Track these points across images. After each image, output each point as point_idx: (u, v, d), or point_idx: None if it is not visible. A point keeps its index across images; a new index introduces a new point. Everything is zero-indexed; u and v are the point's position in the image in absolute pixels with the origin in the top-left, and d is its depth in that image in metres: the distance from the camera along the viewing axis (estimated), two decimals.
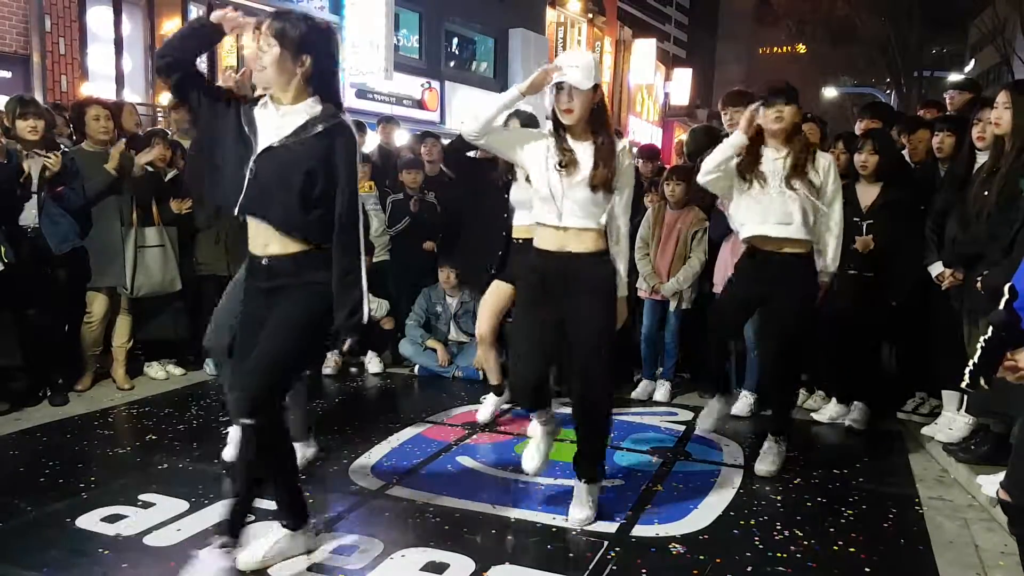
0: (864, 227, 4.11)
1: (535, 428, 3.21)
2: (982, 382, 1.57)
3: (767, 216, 3.37)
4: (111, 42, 10.75)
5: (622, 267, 2.90)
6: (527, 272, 2.99)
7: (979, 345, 1.54)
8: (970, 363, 1.55)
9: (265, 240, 2.40)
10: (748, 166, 3.39)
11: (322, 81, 2.40)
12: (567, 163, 2.77)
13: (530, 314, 2.94)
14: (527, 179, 2.97)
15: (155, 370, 4.89)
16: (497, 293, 4.02)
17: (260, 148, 2.36)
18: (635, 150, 2.92)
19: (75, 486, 3.17)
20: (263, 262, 2.41)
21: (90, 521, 2.86)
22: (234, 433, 3.29)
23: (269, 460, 2.50)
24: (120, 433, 3.94)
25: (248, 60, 2.34)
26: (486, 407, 4.23)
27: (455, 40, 19.17)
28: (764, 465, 3.52)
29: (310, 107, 2.38)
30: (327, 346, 2.49)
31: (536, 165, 2.83)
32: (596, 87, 2.77)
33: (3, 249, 3.63)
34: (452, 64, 18.84)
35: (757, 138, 3.40)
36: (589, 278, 2.83)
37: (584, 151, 2.80)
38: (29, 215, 4.10)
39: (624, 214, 2.88)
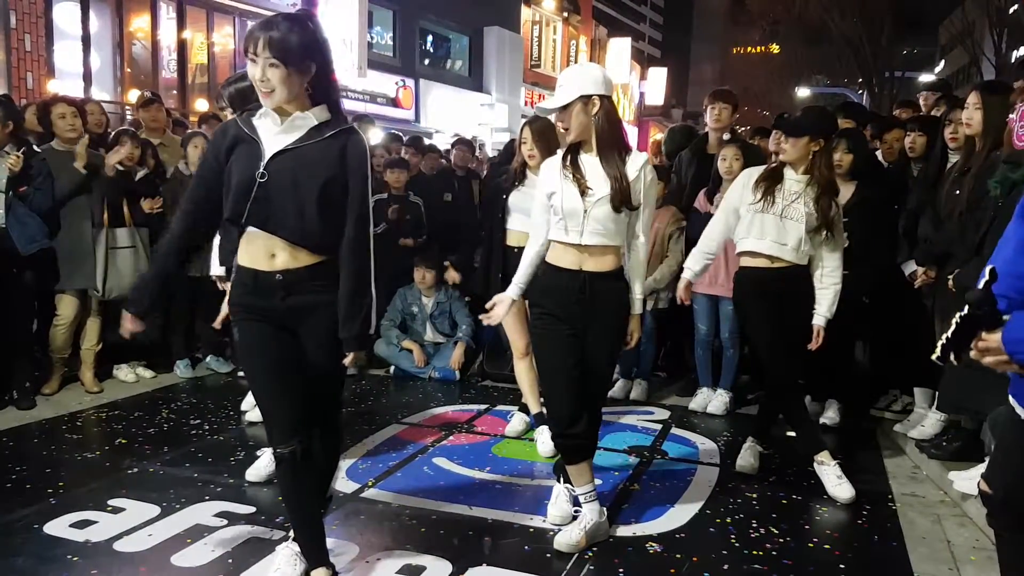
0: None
1: (589, 512, 2.80)
2: (952, 357, 1.57)
3: (765, 234, 3.31)
4: (79, 39, 10.58)
5: (638, 286, 2.80)
6: (540, 296, 2.82)
7: (954, 321, 1.54)
8: (943, 337, 1.55)
9: (270, 251, 2.21)
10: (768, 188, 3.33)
11: (321, 83, 2.24)
12: (582, 189, 2.66)
13: (555, 343, 2.75)
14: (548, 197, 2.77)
15: (124, 372, 4.80)
16: (518, 306, 3.55)
17: (270, 152, 2.19)
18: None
19: (43, 491, 3.10)
20: (276, 277, 2.22)
21: (58, 527, 2.80)
22: (266, 458, 3.24)
23: (312, 483, 2.41)
24: (89, 437, 3.86)
25: (255, 83, 2.14)
26: (545, 439, 3.64)
27: (429, 38, 19.11)
28: (745, 462, 3.53)
29: (318, 113, 2.23)
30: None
31: (554, 186, 2.72)
32: (589, 99, 2.64)
33: None
34: (427, 62, 18.78)
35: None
36: (606, 301, 2.74)
37: (597, 168, 2.69)
38: None
39: (645, 232, 2.78)
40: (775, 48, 37.02)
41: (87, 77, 10.65)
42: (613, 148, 2.69)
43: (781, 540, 2.90)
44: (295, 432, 2.26)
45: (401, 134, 7.43)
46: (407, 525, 2.93)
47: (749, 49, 43.36)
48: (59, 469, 3.37)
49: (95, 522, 2.84)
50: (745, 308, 3.48)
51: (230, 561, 2.61)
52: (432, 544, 2.76)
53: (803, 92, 27.26)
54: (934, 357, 1.58)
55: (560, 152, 2.80)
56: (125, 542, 2.71)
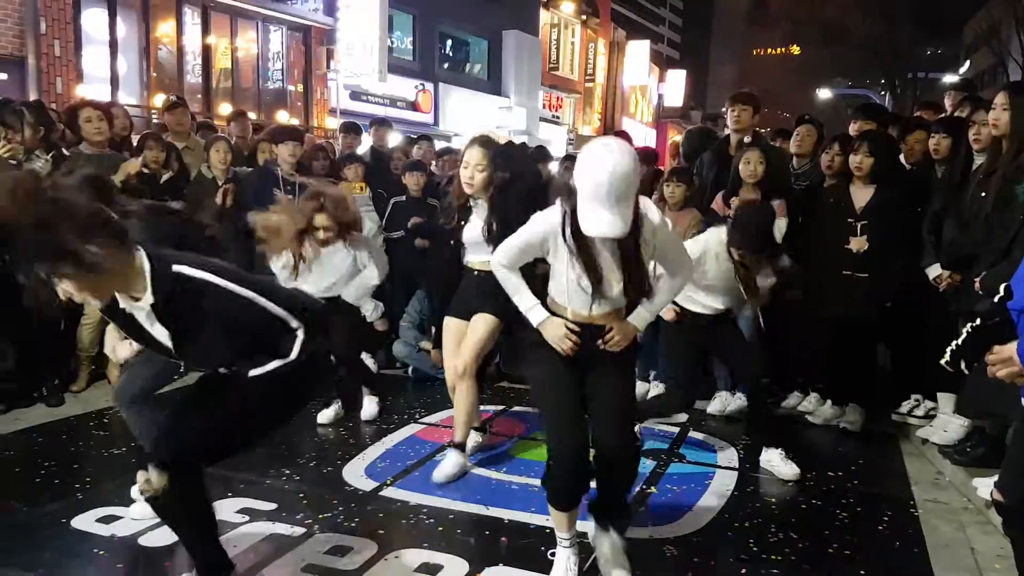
0: (858, 228, 4.12)
1: (562, 556, 2.55)
2: (962, 365, 1.57)
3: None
4: (106, 44, 10.75)
5: (649, 306, 2.47)
6: (541, 343, 2.49)
7: (966, 330, 1.54)
8: (953, 343, 1.55)
9: None
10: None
11: None
12: (596, 283, 2.34)
13: (557, 378, 2.47)
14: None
15: None
16: (455, 330, 3.47)
17: None
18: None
19: (71, 486, 3.17)
20: None
21: (86, 521, 2.86)
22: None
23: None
24: (115, 434, 3.92)
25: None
26: (448, 464, 3.40)
27: (449, 42, 19.19)
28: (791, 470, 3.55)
29: None
30: None
31: (559, 262, 2.40)
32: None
33: None
34: (446, 66, 18.85)
35: None
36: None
37: (608, 249, 2.34)
38: None
39: (678, 270, 2.48)
40: (796, 49, 36.74)
41: (114, 81, 10.81)
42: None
43: (800, 545, 2.88)
44: None
45: (413, 136, 7.50)
46: (425, 524, 2.95)
47: (769, 50, 43.08)
48: (86, 465, 3.44)
49: (120, 517, 2.89)
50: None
51: (251, 556, 2.64)
52: (449, 543, 2.78)
53: (824, 93, 27.05)
54: (942, 362, 1.58)
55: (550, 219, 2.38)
56: (149, 537, 2.76)
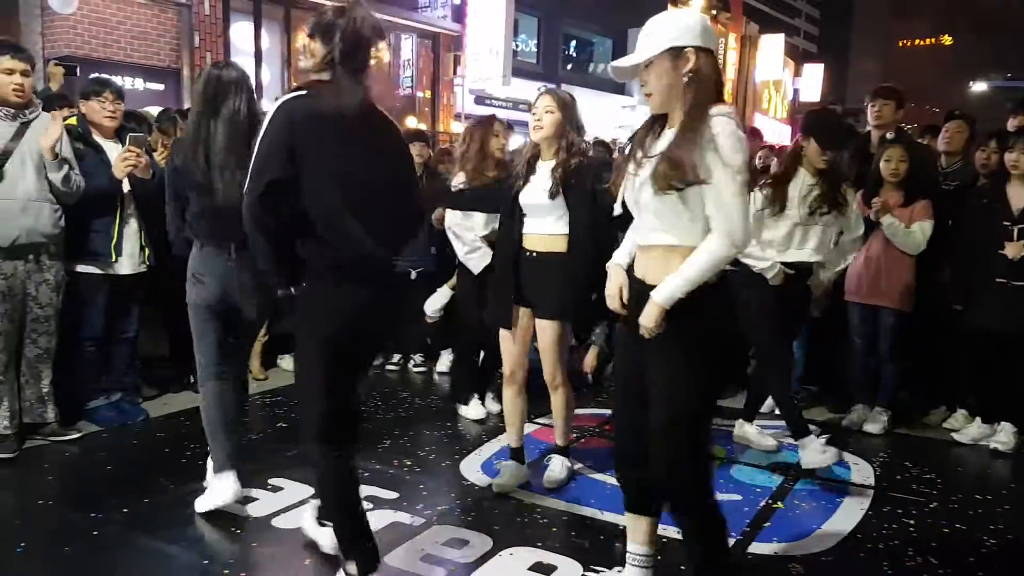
0: (1016, 232, 3.79)
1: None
2: None
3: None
4: (251, 55, 11.47)
5: (675, 279, 1.97)
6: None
7: None
8: None
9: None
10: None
11: None
12: (631, 157, 2.10)
13: (620, 361, 2.29)
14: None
15: (287, 362, 5.15)
16: (521, 324, 3.23)
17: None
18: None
19: None
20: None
21: None
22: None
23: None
24: (254, 420, 4.17)
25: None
26: (556, 470, 3.32)
27: (573, 43, 19.19)
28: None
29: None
30: None
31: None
32: (681, 52, 1.97)
33: (148, 252, 3.92)
34: (569, 67, 18.87)
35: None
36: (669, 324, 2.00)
37: (666, 138, 2.05)
38: None
39: (721, 217, 1.93)
40: (947, 39, 34.21)
41: (258, 90, 11.52)
42: (703, 120, 1.95)
43: (940, 572, 2.68)
44: None
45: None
46: (539, 523, 2.96)
47: (917, 41, 40.32)
48: None
49: (256, 499, 3.07)
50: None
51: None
52: (563, 544, 2.78)
53: (979, 87, 25.02)
54: None
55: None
56: (282, 519, 2.92)
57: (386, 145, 2.31)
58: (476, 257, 4.06)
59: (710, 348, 2.03)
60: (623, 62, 2.07)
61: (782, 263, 3.50)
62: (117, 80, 4.44)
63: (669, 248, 2.03)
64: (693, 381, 2.02)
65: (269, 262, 2.22)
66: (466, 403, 4.26)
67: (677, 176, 1.93)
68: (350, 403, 2.32)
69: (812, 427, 3.59)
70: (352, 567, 2.26)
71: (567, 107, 3.07)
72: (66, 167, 3.45)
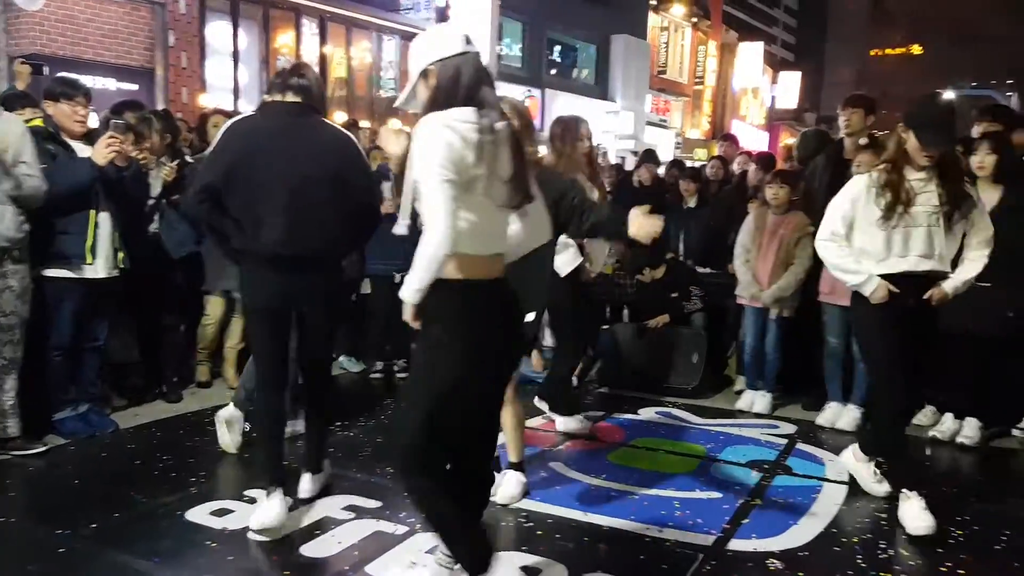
0: None
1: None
2: None
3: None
4: (229, 55, 11.33)
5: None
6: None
7: None
8: None
9: None
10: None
11: None
12: None
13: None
14: None
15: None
16: None
17: None
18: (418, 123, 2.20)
19: (186, 480, 3.31)
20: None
21: (199, 514, 2.97)
22: None
23: None
24: None
25: None
26: (510, 486, 3.20)
27: (557, 48, 19.23)
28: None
29: None
30: None
31: None
32: (425, 73, 2.17)
33: (121, 255, 3.83)
34: (553, 72, 18.90)
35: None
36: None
37: None
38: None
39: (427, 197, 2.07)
40: (916, 49, 34.78)
41: (235, 91, 11.42)
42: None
43: (912, 563, 2.74)
44: None
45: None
46: (524, 527, 2.95)
47: (888, 51, 40.91)
48: (201, 460, 3.58)
49: (232, 511, 3.00)
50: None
51: (355, 553, 2.71)
52: (548, 547, 2.77)
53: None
54: None
55: None
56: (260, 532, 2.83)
57: (320, 154, 2.81)
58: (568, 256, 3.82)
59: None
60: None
61: (881, 275, 3.05)
62: (87, 80, 4.36)
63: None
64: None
65: (216, 246, 2.89)
66: None
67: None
68: (282, 372, 2.95)
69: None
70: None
71: (521, 116, 3.02)
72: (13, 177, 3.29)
